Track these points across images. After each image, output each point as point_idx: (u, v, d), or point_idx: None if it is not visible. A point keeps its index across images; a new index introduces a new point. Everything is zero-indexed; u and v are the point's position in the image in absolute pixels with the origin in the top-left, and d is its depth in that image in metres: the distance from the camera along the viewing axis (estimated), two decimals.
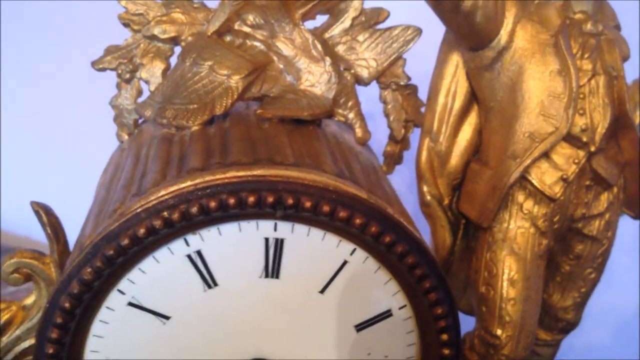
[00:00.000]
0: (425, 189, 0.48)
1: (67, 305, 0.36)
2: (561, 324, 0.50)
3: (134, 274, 0.36)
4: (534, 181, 0.44)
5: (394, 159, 0.51)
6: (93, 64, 0.49)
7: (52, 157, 0.88)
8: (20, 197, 0.93)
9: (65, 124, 0.85)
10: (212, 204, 0.35)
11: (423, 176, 0.48)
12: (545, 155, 0.44)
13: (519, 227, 0.45)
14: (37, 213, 0.43)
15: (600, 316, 0.54)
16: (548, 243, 0.46)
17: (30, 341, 0.45)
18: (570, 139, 0.44)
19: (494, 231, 0.46)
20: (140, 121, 0.50)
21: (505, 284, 0.45)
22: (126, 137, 0.50)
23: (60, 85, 0.83)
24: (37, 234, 0.98)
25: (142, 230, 0.35)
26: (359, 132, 0.48)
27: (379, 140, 0.52)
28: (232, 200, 0.35)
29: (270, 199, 0.35)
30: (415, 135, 0.51)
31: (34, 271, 0.43)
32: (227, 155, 0.38)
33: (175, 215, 0.35)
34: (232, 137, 0.41)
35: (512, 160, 0.44)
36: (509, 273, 0.45)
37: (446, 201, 0.48)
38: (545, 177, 0.44)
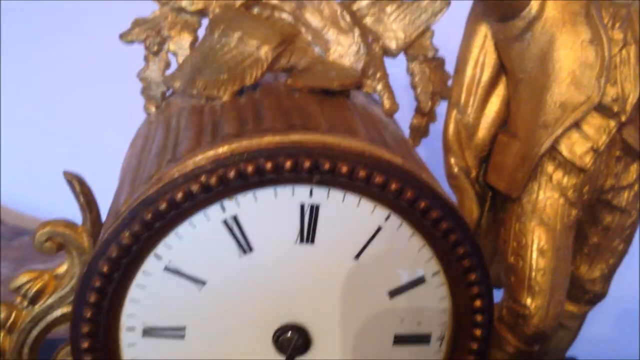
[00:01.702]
0: (452, 161, 0.48)
1: (105, 269, 0.36)
2: (588, 295, 0.50)
3: (170, 239, 0.37)
4: (564, 152, 0.44)
5: (420, 132, 0.51)
6: (121, 36, 0.49)
7: (54, 134, 0.89)
8: (21, 173, 0.94)
9: (66, 101, 0.86)
10: (249, 169, 0.35)
11: (450, 148, 0.48)
12: (576, 125, 0.44)
13: (548, 198, 0.45)
14: (69, 182, 0.43)
15: (602, 307, 0.54)
16: (577, 214, 0.46)
17: (62, 310, 0.45)
18: (601, 108, 0.43)
19: (523, 202, 0.46)
20: (167, 94, 0.50)
21: (534, 254, 0.45)
22: (154, 109, 0.50)
23: (64, 60, 0.84)
24: (38, 211, 0.99)
25: (179, 195, 0.35)
26: (387, 103, 0.48)
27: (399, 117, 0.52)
28: (269, 165, 0.35)
29: (307, 164, 0.35)
30: (441, 108, 0.51)
31: (66, 240, 0.44)
32: (261, 123, 0.38)
33: (213, 180, 0.35)
34: (264, 106, 0.41)
35: (543, 130, 0.44)
36: (538, 243, 0.45)
37: (473, 173, 0.48)
38: (575, 147, 0.44)
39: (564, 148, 0.44)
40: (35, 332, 0.46)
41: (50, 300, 0.45)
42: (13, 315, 0.46)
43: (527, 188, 0.45)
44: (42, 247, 0.44)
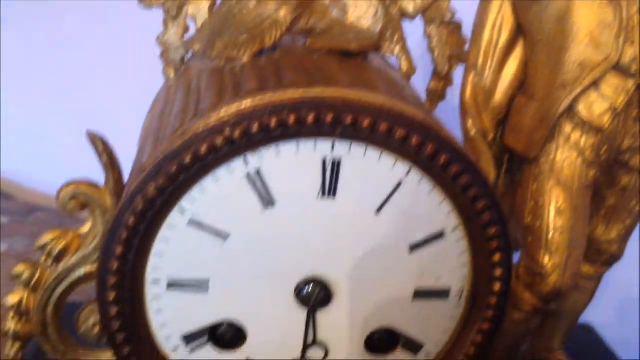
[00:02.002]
0: (469, 123, 0.48)
1: (131, 221, 0.37)
2: (605, 256, 0.50)
3: (194, 192, 0.37)
4: (582, 112, 0.44)
5: (437, 96, 0.51)
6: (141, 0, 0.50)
7: (53, 103, 0.89)
8: (33, 150, 0.94)
9: (81, 74, 0.86)
10: (272, 122, 0.35)
11: (467, 111, 0.48)
12: (594, 85, 0.44)
13: (566, 159, 0.45)
14: (92, 141, 0.44)
15: (602, 294, 0.55)
16: (595, 174, 0.46)
17: (86, 268, 0.46)
18: (619, 68, 0.43)
19: (541, 163, 0.46)
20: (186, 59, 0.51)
21: (552, 213, 0.45)
22: (172, 74, 0.51)
23: (61, 27, 0.84)
24: (35, 182, 0.99)
25: (203, 148, 0.36)
26: (404, 65, 0.48)
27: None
28: (291, 119, 0.36)
29: (329, 118, 0.36)
30: (458, 72, 0.51)
31: (90, 199, 0.44)
32: (282, 80, 0.39)
33: (236, 133, 0.35)
34: (284, 65, 0.41)
35: (561, 90, 0.44)
36: (556, 203, 0.45)
37: (490, 136, 0.49)
38: (594, 107, 0.44)
39: (582, 108, 0.44)
40: (59, 291, 0.47)
41: (74, 259, 0.46)
42: (37, 273, 0.46)
43: (544, 149, 0.46)
44: (66, 207, 0.45)
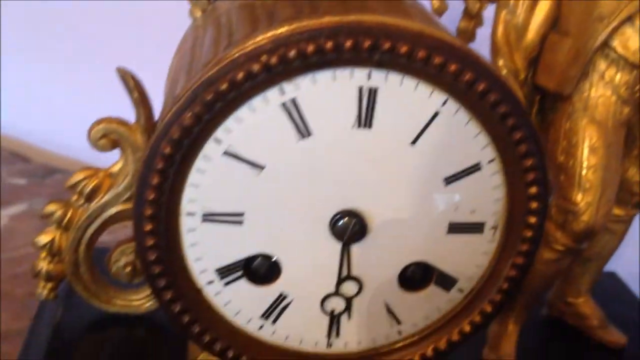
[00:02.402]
0: (501, 63, 0.48)
1: (167, 150, 0.37)
2: (636, 198, 0.50)
3: (230, 122, 0.37)
4: (617, 47, 0.44)
5: (467, 36, 0.50)
6: None
7: (54, 60, 0.89)
8: (37, 106, 0.94)
9: (84, 27, 0.85)
10: (309, 48, 0.35)
11: (499, 50, 0.48)
12: (630, 20, 0.43)
13: (600, 96, 0.45)
14: (123, 78, 0.43)
15: (628, 241, 0.55)
16: (629, 112, 0.45)
17: (118, 207, 0.46)
18: None
19: (574, 101, 0.45)
20: None
21: (585, 151, 0.45)
22: (199, 13, 0.50)
23: None
24: (39, 139, 0.99)
25: (240, 75, 0.35)
26: (435, 3, 0.47)
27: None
28: (329, 45, 0.35)
29: (367, 44, 0.35)
30: (489, 12, 0.50)
31: (121, 137, 0.44)
32: (318, 9, 0.38)
33: (273, 60, 0.35)
34: None
35: (597, 23, 0.43)
36: (589, 141, 0.45)
37: (522, 76, 0.48)
38: (629, 42, 0.44)
39: (617, 44, 0.44)
40: (91, 230, 0.47)
41: (105, 198, 0.46)
42: (69, 213, 0.47)
43: (578, 87, 0.45)
44: (97, 144, 0.45)
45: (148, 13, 0.81)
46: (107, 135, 0.44)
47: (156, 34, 0.70)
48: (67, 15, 0.87)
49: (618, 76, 0.45)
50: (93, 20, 0.86)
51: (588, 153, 0.45)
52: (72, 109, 0.88)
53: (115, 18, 0.84)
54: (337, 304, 0.43)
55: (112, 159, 0.46)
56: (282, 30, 0.36)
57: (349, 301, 0.43)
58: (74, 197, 0.47)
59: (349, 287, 0.42)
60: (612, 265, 0.57)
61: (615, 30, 0.43)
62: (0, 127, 0.94)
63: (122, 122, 0.44)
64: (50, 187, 0.91)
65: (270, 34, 0.36)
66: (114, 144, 0.45)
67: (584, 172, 0.45)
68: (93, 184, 0.46)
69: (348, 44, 0.35)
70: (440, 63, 0.36)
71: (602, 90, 0.45)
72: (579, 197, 0.45)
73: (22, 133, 0.95)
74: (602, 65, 0.45)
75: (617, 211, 0.51)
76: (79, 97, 0.86)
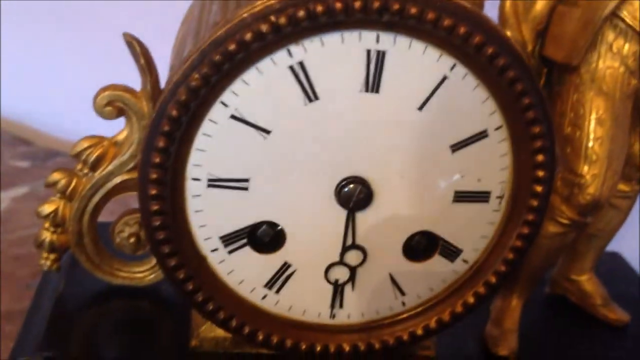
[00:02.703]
0: (509, 34, 0.47)
1: (174, 112, 0.36)
2: None
3: (237, 85, 0.37)
4: (626, 18, 0.43)
5: (476, 5, 0.50)
6: None
7: (55, 43, 0.88)
8: (39, 89, 0.93)
9: (83, 9, 0.85)
10: (319, 8, 0.35)
11: (507, 22, 0.47)
12: None
13: (607, 67, 0.45)
14: (129, 44, 0.43)
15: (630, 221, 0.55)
16: (637, 83, 0.45)
17: (123, 177, 0.46)
18: None
19: (582, 72, 0.45)
20: None
21: (592, 123, 0.45)
22: None
23: None
24: (37, 122, 0.99)
25: (248, 35, 0.35)
26: None
27: None
28: (338, 5, 0.35)
29: (376, 4, 0.35)
30: None
31: (126, 104, 0.44)
32: None
33: (282, 20, 0.35)
34: None
35: None
36: (597, 112, 0.45)
37: (530, 47, 0.47)
38: (638, 13, 0.43)
39: (626, 14, 0.43)
40: (95, 200, 0.47)
41: (110, 167, 0.46)
42: (73, 182, 0.47)
43: (585, 58, 0.45)
44: (102, 112, 0.44)
45: None
46: (113, 102, 0.44)
47: (162, 7, 0.70)
48: None
49: (626, 47, 0.44)
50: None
51: (595, 125, 0.45)
52: (74, 92, 0.87)
53: None
54: (341, 274, 0.42)
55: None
56: None
57: (353, 271, 0.42)
58: (79, 166, 0.46)
59: (354, 256, 0.42)
60: (614, 245, 0.57)
61: (624, 0, 0.43)
62: (1, 110, 0.94)
63: (128, 89, 0.44)
64: (52, 170, 0.91)
65: None
66: (119, 112, 0.44)
67: (590, 144, 0.45)
68: (98, 153, 0.46)
69: (357, 4, 0.35)
70: (449, 25, 0.36)
71: (610, 61, 0.45)
72: (585, 169, 0.45)
73: (23, 116, 0.95)
74: (610, 36, 0.44)
75: (622, 187, 0.50)
76: (81, 81, 0.86)
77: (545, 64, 0.48)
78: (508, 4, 0.47)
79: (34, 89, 0.92)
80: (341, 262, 0.42)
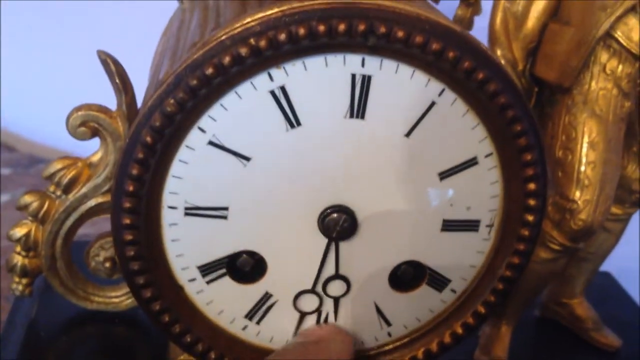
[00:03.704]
0: (498, 53, 0.46)
1: (148, 139, 0.34)
2: (635, 196, 0.49)
3: (215, 110, 0.35)
4: (620, 38, 0.42)
5: (464, 24, 0.48)
6: None
7: (38, 50, 0.86)
8: (21, 95, 0.91)
9: (68, 17, 0.83)
10: (301, 31, 0.33)
11: (497, 39, 0.46)
12: (633, 10, 0.42)
13: (601, 89, 0.43)
14: (104, 62, 0.41)
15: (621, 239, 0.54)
16: (630, 106, 0.44)
17: (97, 199, 0.44)
18: None
19: (574, 94, 0.44)
20: None
21: (585, 146, 0.43)
22: None
23: None
24: (38, 134, 0.97)
25: (227, 59, 0.33)
26: None
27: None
28: (321, 27, 0.33)
29: (362, 27, 0.33)
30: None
31: (100, 125, 0.42)
32: None
33: (262, 43, 0.33)
34: None
35: (600, 12, 0.41)
36: (589, 135, 0.43)
37: (520, 66, 0.46)
38: (632, 33, 0.42)
39: (620, 34, 0.42)
40: (68, 223, 0.45)
41: (84, 190, 0.44)
42: (46, 205, 0.44)
43: (578, 79, 0.44)
44: (76, 133, 0.43)
45: None
46: (87, 122, 0.42)
47: (142, 20, 0.68)
48: (51, 5, 0.85)
49: (620, 68, 0.43)
50: (77, 8, 0.83)
51: (587, 148, 0.43)
52: (58, 98, 0.85)
53: (100, 4, 0.81)
54: (322, 303, 0.41)
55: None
56: (272, 11, 0.33)
57: (336, 301, 0.41)
58: (51, 188, 0.44)
59: (337, 287, 0.40)
60: (605, 264, 0.56)
61: (618, 19, 0.42)
62: None
63: (102, 109, 0.42)
64: (34, 177, 0.89)
65: (259, 15, 0.33)
66: (93, 133, 0.43)
67: (582, 168, 0.43)
68: (71, 175, 0.44)
69: (341, 27, 0.33)
70: (438, 49, 0.34)
71: (603, 82, 0.43)
72: (577, 194, 0.43)
73: (7, 123, 0.93)
74: (603, 57, 0.43)
75: (614, 209, 0.49)
76: (65, 87, 0.84)
77: (536, 83, 0.47)
78: (498, 20, 0.46)
79: (17, 96, 0.90)
80: (313, 291, 0.40)
